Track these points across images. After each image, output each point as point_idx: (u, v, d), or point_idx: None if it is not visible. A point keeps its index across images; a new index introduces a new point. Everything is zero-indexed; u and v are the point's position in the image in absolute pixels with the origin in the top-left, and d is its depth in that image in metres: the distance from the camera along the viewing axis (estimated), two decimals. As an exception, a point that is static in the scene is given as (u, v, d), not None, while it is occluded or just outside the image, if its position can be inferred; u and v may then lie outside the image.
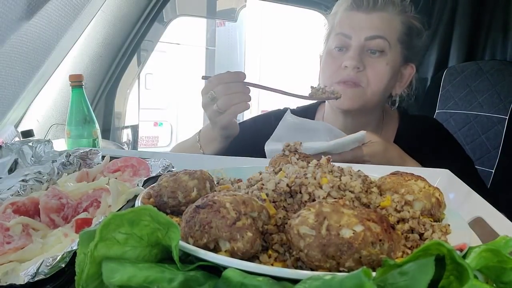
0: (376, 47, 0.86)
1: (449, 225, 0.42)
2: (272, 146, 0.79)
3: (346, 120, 0.94)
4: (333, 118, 0.98)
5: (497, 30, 1.51)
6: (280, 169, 0.49)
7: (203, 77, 0.86)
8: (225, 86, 0.77)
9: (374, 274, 0.28)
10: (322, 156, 0.49)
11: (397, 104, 0.99)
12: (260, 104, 5.04)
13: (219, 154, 0.89)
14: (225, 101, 0.77)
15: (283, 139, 0.65)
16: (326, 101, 0.98)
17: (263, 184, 0.44)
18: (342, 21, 0.90)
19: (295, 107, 1.10)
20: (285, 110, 1.08)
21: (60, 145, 1.00)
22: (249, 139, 0.94)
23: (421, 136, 0.95)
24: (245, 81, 0.80)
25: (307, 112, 1.05)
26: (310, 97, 0.84)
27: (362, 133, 0.74)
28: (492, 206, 0.50)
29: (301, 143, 0.59)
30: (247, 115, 1.08)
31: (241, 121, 1.09)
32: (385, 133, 0.98)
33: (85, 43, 1.47)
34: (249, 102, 0.80)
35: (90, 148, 0.75)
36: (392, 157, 0.77)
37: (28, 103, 1.28)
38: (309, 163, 0.48)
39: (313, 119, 1.04)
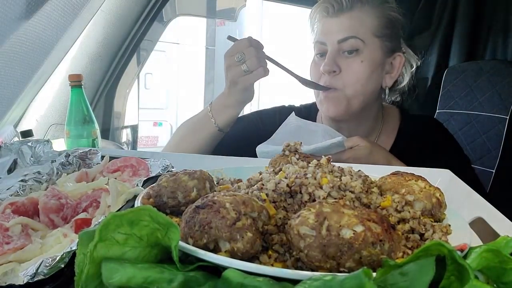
0: (350, 47, 0.87)
1: (449, 225, 0.42)
2: (263, 148, 0.80)
3: (339, 124, 0.95)
4: (328, 121, 0.99)
5: (498, 30, 1.51)
6: (280, 169, 0.49)
7: (229, 38, 0.90)
8: (255, 48, 0.83)
9: (374, 274, 0.28)
10: (323, 156, 0.49)
11: (387, 96, 1.00)
12: (259, 105, 5.04)
13: (230, 123, 0.91)
14: (254, 62, 0.83)
15: (280, 142, 0.65)
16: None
17: (263, 184, 0.44)
18: (318, 29, 0.93)
19: (298, 105, 1.10)
20: (290, 107, 1.09)
21: (60, 145, 1.00)
22: (253, 133, 0.97)
23: (423, 136, 0.95)
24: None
25: (310, 110, 1.05)
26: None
27: (339, 139, 0.76)
28: (492, 207, 0.50)
29: (301, 143, 0.59)
30: (246, 109, 1.09)
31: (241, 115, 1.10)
32: (385, 132, 0.98)
33: (84, 43, 1.47)
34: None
35: (90, 148, 0.75)
36: (378, 160, 0.78)
37: (27, 103, 1.28)
38: (309, 163, 0.48)
39: (315, 118, 1.04)
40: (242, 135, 0.99)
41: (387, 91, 0.98)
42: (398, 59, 0.93)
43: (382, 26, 0.89)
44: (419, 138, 0.94)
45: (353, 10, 0.88)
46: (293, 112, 0.92)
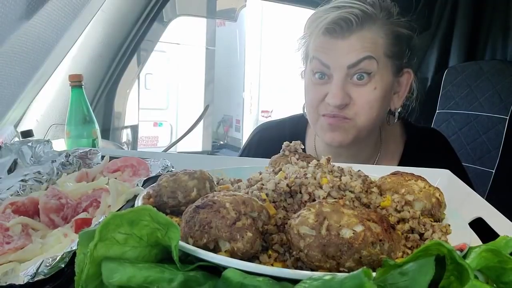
0: (363, 70, 0.75)
1: (449, 225, 0.42)
2: None
3: (339, 150, 0.86)
4: (323, 146, 0.90)
5: (498, 30, 1.51)
6: (280, 169, 0.49)
7: None
8: None
9: (374, 274, 0.28)
10: (323, 156, 0.49)
11: (396, 118, 0.88)
12: (260, 104, 5.05)
13: None
14: None
15: None
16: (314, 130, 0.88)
17: (263, 184, 0.44)
18: (318, 46, 0.79)
19: (279, 119, 1.04)
20: (276, 121, 1.02)
21: (60, 145, 1.00)
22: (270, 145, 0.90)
23: (429, 151, 0.89)
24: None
25: (298, 124, 0.96)
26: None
27: None
28: (492, 206, 0.50)
29: (301, 143, 0.59)
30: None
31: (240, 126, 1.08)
32: (385, 151, 0.91)
33: (84, 43, 1.47)
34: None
35: (90, 148, 0.75)
36: None
37: (28, 103, 1.28)
38: (309, 163, 0.48)
39: (305, 134, 0.96)
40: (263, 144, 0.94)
41: (396, 114, 0.86)
42: (406, 76, 0.83)
43: (391, 43, 0.78)
44: (427, 153, 0.88)
45: (364, 29, 0.75)
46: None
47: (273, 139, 0.81)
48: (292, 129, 0.97)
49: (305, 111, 0.87)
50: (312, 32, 0.80)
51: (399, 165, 0.89)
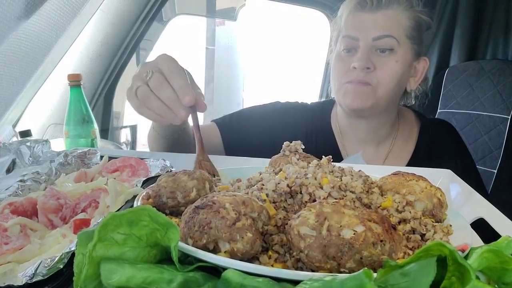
0: (384, 46, 0.85)
1: (450, 225, 0.42)
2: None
3: (359, 121, 0.93)
4: (345, 121, 0.97)
5: (499, 29, 1.51)
6: (280, 169, 0.49)
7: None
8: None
9: (375, 275, 0.28)
10: (323, 157, 0.49)
11: (413, 101, 0.99)
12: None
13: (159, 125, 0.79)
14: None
15: None
16: (337, 102, 0.96)
17: (263, 185, 0.44)
18: (348, 23, 0.89)
19: (308, 102, 1.09)
20: (303, 104, 1.07)
21: (58, 145, 1.00)
22: (269, 127, 0.97)
23: (442, 142, 0.95)
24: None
25: (323, 108, 1.03)
26: None
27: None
28: (494, 207, 0.50)
29: (301, 142, 0.58)
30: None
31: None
32: (400, 137, 0.97)
33: (83, 43, 1.47)
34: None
35: (89, 148, 0.75)
36: None
37: (26, 103, 1.28)
38: (309, 163, 0.48)
39: (329, 116, 1.02)
40: (259, 128, 0.98)
41: (413, 94, 0.96)
42: (422, 63, 0.92)
43: (413, 28, 0.87)
44: (439, 144, 0.94)
45: (390, 9, 0.86)
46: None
47: (297, 113, 0.98)
48: (319, 108, 1.05)
49: (330, 87, 0.96)
50: (345, 8, 0.91)
51: (415, 147, 0.95)
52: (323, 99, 1.00)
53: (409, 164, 0.93)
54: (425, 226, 0.41)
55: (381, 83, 0.85)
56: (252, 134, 0.97)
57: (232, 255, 0.32)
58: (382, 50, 0.85)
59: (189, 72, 0.66)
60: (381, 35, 0.84)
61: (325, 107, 1.03)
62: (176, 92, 0.61)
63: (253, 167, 0.57)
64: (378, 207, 0.43)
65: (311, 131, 0.99)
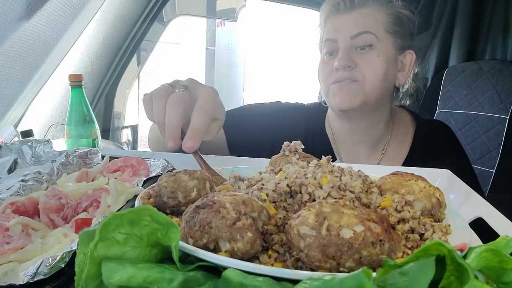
0: (364, 43, 0.85)
1: (449, 225, 0.42)
2: None
3: (351, 123, 0.93)
4: (338, 124, 0.97)
5: (498, 30, 1.51)
6: (280, 169, 0.49)
7: None
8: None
9: (374, 274, 0.28)
10: (323, 156, 0.49)
11: (408, 101, 0.98)
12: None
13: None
14: None
15: None
16: (328, 105, 0.96)
17: (263, 184, 0.44)
18: (327, 27, 0.91)
19: (305, 103, 1.09)
20: (300, 105, 1.07)
21: (60, 145, 1.00)
22: (270, 127, 0.97)
23: (438, 143, 0.95)
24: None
25: (319, 110, 1.03)
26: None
27: None
28: (492, 206, 0.50)
29: (301, 142, 0.58)
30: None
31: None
32: (395, 138, 0.96)
33: (84, 43, 1.47)
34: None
35: (90, 148, 0.75)
36: None
37: (28, 103, 1.28)
38: (309, 163, 0.48)
39: (324, 118, 1.02)
40: (259, 125, 0.98)
41: (401, 89, 0.96)
42: (408, 56, 0.91)
43: (392, 23, 0.88)
44: (436, 145, 0.94)
45: (365, 7, 0.87)
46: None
47: (296, 114, 0.98)
48: (315, 108, 1.05)
49: (320, 92, 0.98)
50: (322, 14, 0.93)
51: (410, 149, 0.95)
52: (323, 99, 0.99)
53: (404, 165, 0.92)
54: (424, 225, 0.41)
55: (367, 78, 0.85)
56: (252, 130, 0.97)
57: (233, 254, 0.33)
58: (362, 47, 0.85)
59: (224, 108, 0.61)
60: (358, 32, 0.85)
61: (321, 109, 1.03)
62: (186, 127, 0.54)
63: (253, 167, 0.58)
64: (377, 206, 0.43)
65: (307, 132, 0.99)
